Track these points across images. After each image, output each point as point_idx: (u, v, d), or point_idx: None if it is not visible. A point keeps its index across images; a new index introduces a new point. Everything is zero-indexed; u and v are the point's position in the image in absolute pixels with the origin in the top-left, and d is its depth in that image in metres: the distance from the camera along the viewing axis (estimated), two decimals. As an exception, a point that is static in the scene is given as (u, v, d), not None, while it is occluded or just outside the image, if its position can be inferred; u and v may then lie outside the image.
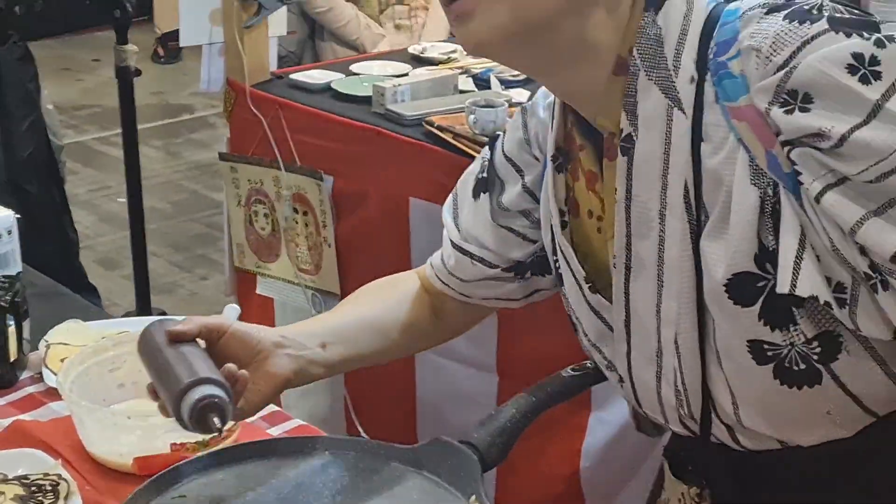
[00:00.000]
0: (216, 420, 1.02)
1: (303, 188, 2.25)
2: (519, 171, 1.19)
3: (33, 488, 1.19)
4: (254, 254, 2.40)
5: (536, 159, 1.18)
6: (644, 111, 0.99)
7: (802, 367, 0.99)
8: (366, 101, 2.23)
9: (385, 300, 1.28)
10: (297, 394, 2.07)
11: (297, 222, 2.29)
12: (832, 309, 0.95)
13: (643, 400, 1.10)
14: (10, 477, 1.20)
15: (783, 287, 0.95)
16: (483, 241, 1.20)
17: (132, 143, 2.92)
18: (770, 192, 0.95)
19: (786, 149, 0.92)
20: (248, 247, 2.41)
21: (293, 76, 2.40)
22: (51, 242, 2.99)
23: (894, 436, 1.03)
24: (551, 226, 1.13)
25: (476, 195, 1.22)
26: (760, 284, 0.97)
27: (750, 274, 0.97)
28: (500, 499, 1.95)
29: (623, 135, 1.00)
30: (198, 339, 1.09)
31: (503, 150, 1.21)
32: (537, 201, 1.18)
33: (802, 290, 0.94)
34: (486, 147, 1.24)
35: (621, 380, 1.11)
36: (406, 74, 2.38)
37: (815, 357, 0.98)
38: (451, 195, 1.27)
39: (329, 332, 1.20)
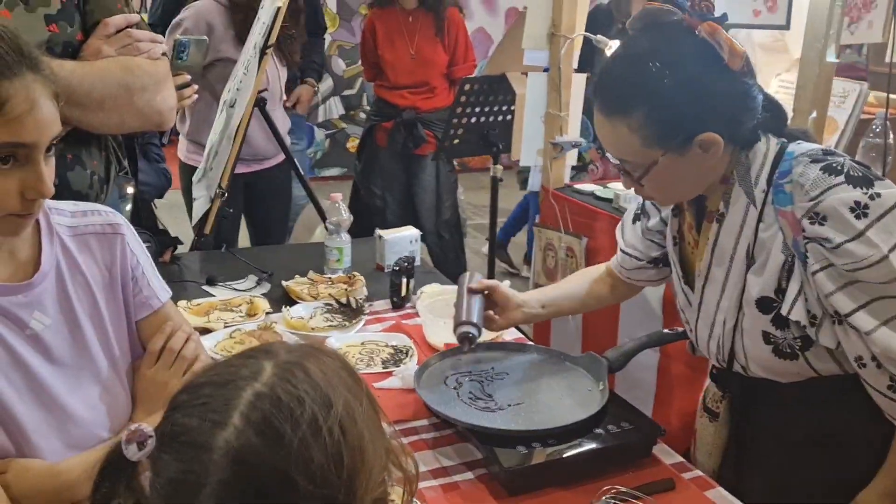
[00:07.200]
0: (466, 343, 1.57)
1: (571, 244, 3.02)
2: (658, 210, 1.57)
3: (399, 353, 2.01)
4: (545, 276, 3.18)
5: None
6: (734, 203, 1.31)
7: (789, 350, 1.30)
8: (609, 201, 2.99)
9: (584, 279, 1.74)
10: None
11: (568, 260, 3.05)
12: (808, 327, 1.26)
13: (700, 344, 1.48)
14: (388, 344, 2.07)
15: (785, 310, 1.26)
16: (637, 246, 1.63)
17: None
18: (790, 258, 1.21)
19: (804, 241, 1.18)
20: (543, 273, 3.20)
21: (575, 186, 3.21)
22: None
23: (828, 383, 1.35)
24: (671, 241, 1.48)
25: (634, 222, 1.64)
26: (774, 305, 1.27)
27: (770, 298, 1.26)
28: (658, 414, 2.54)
29: (719, 213, 1.35)
30: (485, 290, 1.58)
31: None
32: (666, 226, 1.52)
33: (794, 315, 1.25)
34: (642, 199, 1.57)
35: (691, 331, 1.50)
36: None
37: (798, 347, 1.29)
38: (619, 223, 1.71)
39: (548, 299, 1.69)
